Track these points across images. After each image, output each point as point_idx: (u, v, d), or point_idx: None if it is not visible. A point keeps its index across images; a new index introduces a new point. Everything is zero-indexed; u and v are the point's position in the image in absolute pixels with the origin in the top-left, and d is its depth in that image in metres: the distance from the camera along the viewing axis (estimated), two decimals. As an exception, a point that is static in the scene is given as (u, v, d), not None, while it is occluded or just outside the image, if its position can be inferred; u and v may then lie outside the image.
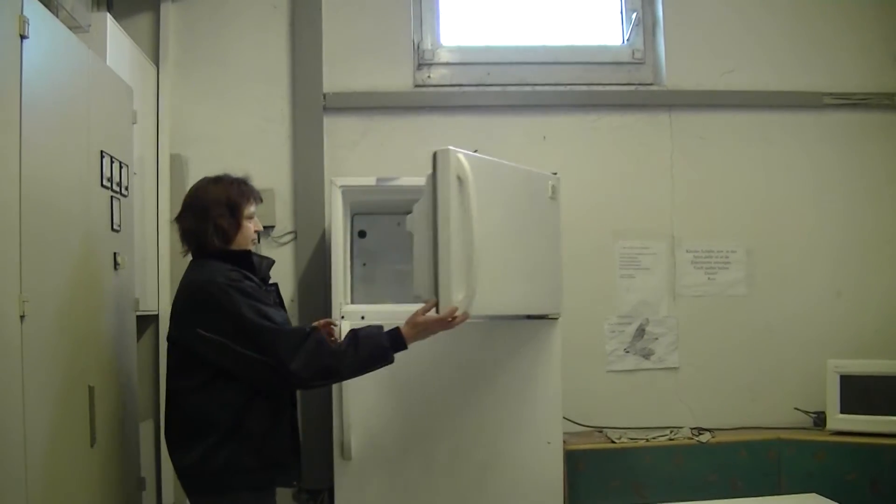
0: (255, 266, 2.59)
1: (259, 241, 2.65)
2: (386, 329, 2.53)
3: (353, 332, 2.51)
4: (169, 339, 2.55)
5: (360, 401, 3.00)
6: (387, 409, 2.99)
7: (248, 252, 2.59)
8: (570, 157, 3.90)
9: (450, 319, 2.52)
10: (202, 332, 2.39)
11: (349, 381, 2.83)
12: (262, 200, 2.72)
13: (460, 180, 2.54)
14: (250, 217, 2.61)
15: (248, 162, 3.52)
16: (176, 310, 2.51)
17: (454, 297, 2.51)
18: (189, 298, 2.46)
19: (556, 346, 3.09)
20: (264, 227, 3.62)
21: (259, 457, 2.45)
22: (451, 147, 2.55)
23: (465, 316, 2.54)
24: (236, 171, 3.46)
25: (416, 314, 2.57)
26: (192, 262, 2.58)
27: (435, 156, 2.54)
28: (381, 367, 2.52)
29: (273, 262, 2.75)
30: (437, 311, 2.54)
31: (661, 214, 4.00)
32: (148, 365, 3.70)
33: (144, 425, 3.60)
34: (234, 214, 2.56)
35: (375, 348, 2.49)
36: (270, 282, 2.72)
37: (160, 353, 3.68)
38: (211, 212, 2.52)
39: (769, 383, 3.98)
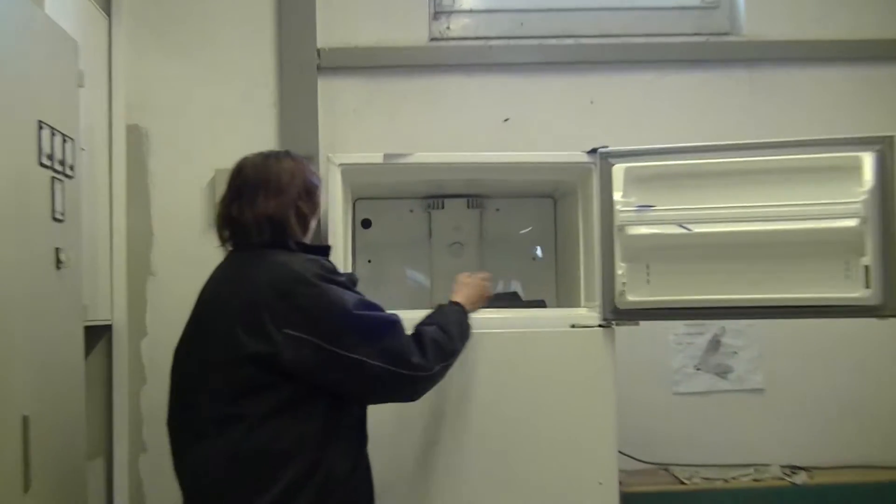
0: None
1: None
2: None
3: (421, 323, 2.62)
4: (213, 358, 2.38)
5: (371, 427, 2.86)
6: (404, 437, 3.04)
7: (328, 248, 2.64)
8: (624, 126, 3.86)
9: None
10: (292, 332, 2.29)
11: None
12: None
13: None
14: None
15: (224, 134, 3.82)
16: (239, 312, 2.36)
17: None
18: (271, 297, 2.33)
19: (609, 360, 3.08)
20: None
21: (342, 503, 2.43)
22: None
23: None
24: (209, 145, 3.80)
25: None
26: (244, 254, 2.50)
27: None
28: (469, 336, 2.73)
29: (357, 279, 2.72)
30: None
31: (740, 194, 3.95)
32: (99, 389, 3.67)
33: (94, 465, 3.60)
34: (311, 199, 2.57)
35: (457, 314, 2.71)
36: None
37: (114, 373, 3.71)
38: (291, 192, 2.50)
39: (883, 409, 3.94)
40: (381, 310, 2.44)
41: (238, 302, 2.35)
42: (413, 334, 2.49)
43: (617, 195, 3.04)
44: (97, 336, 3.67)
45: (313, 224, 2.58)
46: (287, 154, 2.59)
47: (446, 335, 2.55)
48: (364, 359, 2.32)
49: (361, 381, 2.37)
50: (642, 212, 3.02)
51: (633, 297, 3.02)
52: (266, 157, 2.55)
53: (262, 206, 2.46)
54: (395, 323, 2.43)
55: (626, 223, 3.02)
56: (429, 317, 2.64)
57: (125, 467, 3.70)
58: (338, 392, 2.37)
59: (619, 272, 3.04)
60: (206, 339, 2.39)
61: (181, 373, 2.45)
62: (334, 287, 2.36)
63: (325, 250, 2.57)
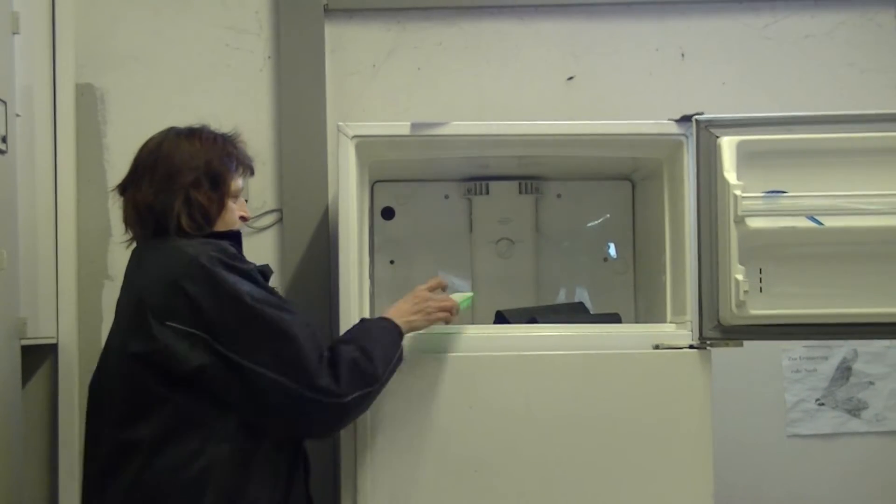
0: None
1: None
2: None
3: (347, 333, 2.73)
4: (108, 375, 2.57)
5: (386, 478, 2.98)
6: (428, 489, 3.01)
7: (238, 233, 2.70)
8: (727, 87, 3.86)
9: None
10: (177, 325, 2.40)
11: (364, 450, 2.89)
12: (253, 172, 2.84)
13: None
14: (236, 195, 2.72)
15: (203, 97, 3.83)
16: (127, 315, 2.53)
17: None
18: (156, 286, 2.47)
19: (704, 392, 3.04)
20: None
21: None
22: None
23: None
24: (183, 112, 3.56)
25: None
26: (144, 245, 2.65)
27: None
28: (400, 357, 2.72)
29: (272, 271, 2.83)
30: None
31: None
32: (41, 424, 3.68)
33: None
34: (217, 188, 2.64)
35: (383, 330, 2.69)
36: None
37: (61, 404, 3.68)
38: (182, 179, 2.59)
39: None
40: (293, 312, 2.50)
41: (125, 305, 2.54)
42: (327, 351, 2.52)
43: (730, 176, 2.95)
44: (39, 358, 3.65)
45: (227, 217, 2.67)
46: (192, 133, 2.68)
47: (366, 357, 2.54)
48: (258, 368, 2.37)
49: (256, 399, 2.41)
50: (772, 199, 2.93)
51: (755, 311, 2.93)
52: (163, 136, 2.67)
53: (144, 193, 2.58)
54: (304, 330, 2.46)
55: (749, 213, 2.92)
56: (348, 332, 2.72)
57: (74, 524, 3.72)
58: (235, 408, 2.44)
59: (739, 277, 2.94)
60: (105, 357, 2.57)
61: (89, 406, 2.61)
62: (232, 275, 2.43)
63: (230, 235, 2.64)
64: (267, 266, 2.68)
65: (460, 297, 3.02)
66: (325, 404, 2.42)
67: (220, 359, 2.37)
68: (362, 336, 2.62)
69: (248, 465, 2.44)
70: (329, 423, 2.56)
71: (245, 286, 2.43)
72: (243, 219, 2.74)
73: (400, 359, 2.70)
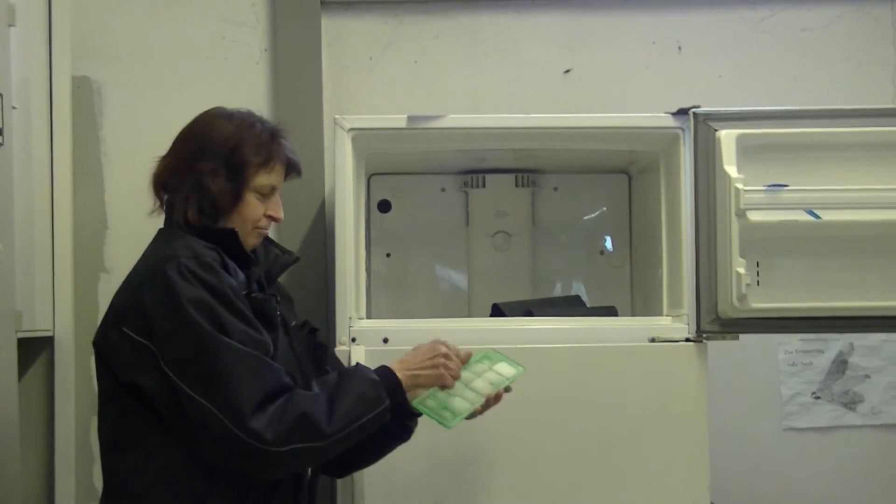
0: (246, 257, 2.50)
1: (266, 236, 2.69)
2: None
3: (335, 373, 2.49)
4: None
5: (382, 472, 2.91)
6: (424, 482, 3.03)
7: (233, 232, 2.48)
8: (724, 81, 3.85)
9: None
10: (130, 333, 2.27)
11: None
12: (299, 173, 2.64)
13: None
14: (264, 192, 2.50)
15: (200, 90, 3.79)
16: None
17: None
18: (123, 290, 2.37)
19: (700, 385, 3.05)
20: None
21: None
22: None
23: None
24: (179, 105, 3.57)
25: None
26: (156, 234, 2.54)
27: None
28: (377, 417, 2.36)
29: (295, 259, 2.72)
30: None
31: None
32: (37, 418, 3.65)
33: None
34: (236, 177, 2.45)
35: (361, 383, 2.37)
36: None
37: (57, 397, 3.66)
38: (200, 164, 2.42)
39: None
40: (253, 338, 2.30)
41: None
42: (287, 390, 2.29)
43: (731, 170, 2.95)
44: (35, 350, 3.63)
45: (244, 212, 2.46)
46: (232, 115, 2.51)
47: (328, 412, 2.29)
48: (194, 395, 2.21)
49: (191, 423, 2.24)
50: (774, 192, 2.92)
51: (756, 304, 2.92)
52: (207, 112, 2.53)
53: (164, 166, 2.45)
54: (251, 363, 2.26)
55: (751, 207, 2.92)
56: (339, 376, 2.42)
57: (70, 521, 3.67)
58: (173, 426, 2.30)
59: (740, 270, 2.94)
60: None
61: None
62: (196, 289, 2.27)
63: (224, 234, 2.46)
64: (252, 271, 2.53)
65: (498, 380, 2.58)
66: (252, 447, 2.20)
67: (162, 375, 2.24)
68: (343, 382, 2.37)
69: (209, 475, 2.30)
70: (258, 469, 2.30)
71: (200, 305, 2.26)
72: (272, 219, 2.55)
73: (378, 418, 2.35)
